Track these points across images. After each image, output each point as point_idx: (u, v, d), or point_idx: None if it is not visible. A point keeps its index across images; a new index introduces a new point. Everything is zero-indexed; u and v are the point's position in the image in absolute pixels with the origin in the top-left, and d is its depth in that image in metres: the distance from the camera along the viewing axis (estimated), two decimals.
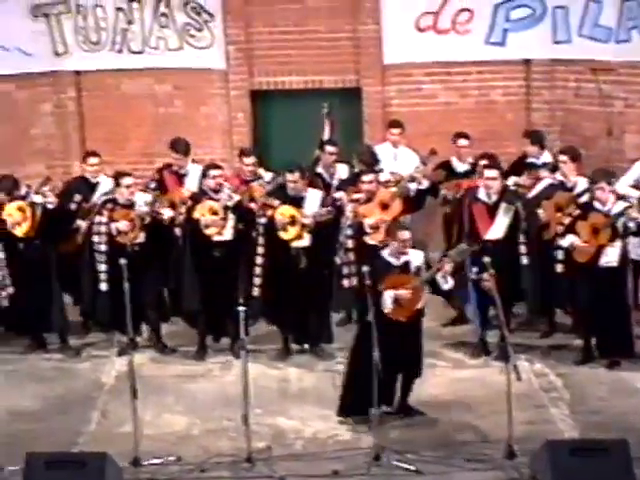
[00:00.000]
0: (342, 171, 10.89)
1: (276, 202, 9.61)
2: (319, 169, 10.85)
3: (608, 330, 9.25)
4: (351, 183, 10.42)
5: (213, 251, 9.64)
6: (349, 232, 9.62)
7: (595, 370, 9.32)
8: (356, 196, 9.97)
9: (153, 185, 10.45)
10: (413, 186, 10.20)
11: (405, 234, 8.34)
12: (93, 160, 10.60)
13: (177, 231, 9.87)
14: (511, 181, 10.36)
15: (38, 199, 9.77)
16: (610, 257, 9.21)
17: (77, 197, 10.30)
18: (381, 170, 10.55)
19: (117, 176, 9.93)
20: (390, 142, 11.35)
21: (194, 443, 8.30)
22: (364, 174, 9.95)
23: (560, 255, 9.40)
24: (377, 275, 8.21)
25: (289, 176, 9.65)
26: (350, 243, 9.58)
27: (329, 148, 10.89)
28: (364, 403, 8.02)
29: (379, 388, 7.82)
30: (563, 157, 10.08)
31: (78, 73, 12.61)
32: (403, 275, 8.35)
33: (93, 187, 10.47)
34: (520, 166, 10.70)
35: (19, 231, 9.70)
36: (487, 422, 8.40)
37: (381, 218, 9.56)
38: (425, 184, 10.10)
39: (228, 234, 9.68)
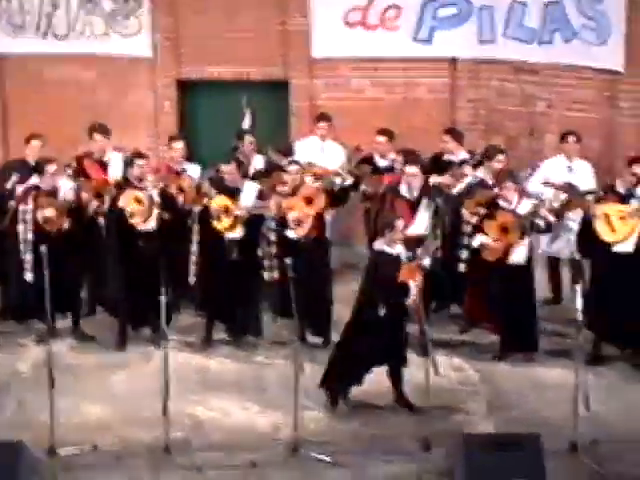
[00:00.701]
0: (258, 161, 10.92)
1: (212, 191, 9.60)
2: (238, 154, 10.79)
3: (514, 326, 9.39)
4: (265, 174, 10.46)
5: (137, 241, 9.58)
6: (272, 225, 9.63)
7: (512, 366, 9.46)
8: (279, 189, 9.98)
9: (69, 172, 10.25)
10: (338, 181, 10.25)
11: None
12: (35, 142, 10.42)
13: (100, 220, 9.77)
14: (433, 179, 10.46)
15: None
16: (519, 255, 9.36)
17: (14, 177, 10.09)
18: (294, 161, 10.56)
19: (41, 163, 9.80)
20: (317, 135, 11.38)
21: (112, 432, 8.26)
22: (290, 165, 9.94)
23: (464, 254, 9.53)
24: (386, 269, 8.27)
25: (225, 167, 9.66)
26: (273, 236, 9.60)
27: (248, 138, 10.94)
28: (343, 384, 8.42)
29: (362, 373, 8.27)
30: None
31: (0, 57, 12.41)
32: (408, 263, 8.47)
33: (31, 170, 10.27)
34: (438, 163, 10.82)
35: None
36: (405, 415, 8.50)
37: (305, 213, 9.58)
38: (349, 180, 10.15)
39: (152, 224, 9.63)
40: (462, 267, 9.62)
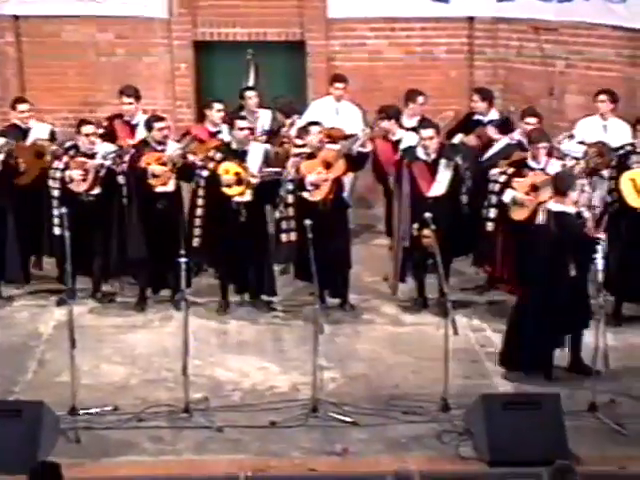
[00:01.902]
0: (265, 116, 10.88)
1: (218, 155, 9.55)
2: (244, 114, 10.66)
3: None
4: (274, 132, 10.45)
5: (156, 202, 9.57)
6: (289, 187, 9.58)
7: None
8: (298, 150, 9.94)
9: (101, 131, 10.23)
10: (356, 147, 10.15)
11: None
12: (22, 107, 10.37)
13: (119, 179, 9.70)
14: (457, 139, 10.39)
15: None
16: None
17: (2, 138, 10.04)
18: (315, 122, 10.50)
19: (78, 124, 9.80)
20: (333, 96, 11.33)
21: (132, 393, 8.30)
22: (311, 125, 9.81)
23: (492, 214, 9.47)
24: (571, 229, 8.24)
25: (240, 123, 9.58)
26: (290, 198, 9.56)
27: (248, 93, 10.91)
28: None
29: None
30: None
31: (17, 18, 12.38)
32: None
33: (25, 133, 10.28)
34: (467, 122, 10.77)
35: None
36: (423, 376, 8.51)
37: (323, 177, 9.53)
38: (369, 147, 10.07)
39: (171, 185, 9.61)
40: (490, 226, 9.49)
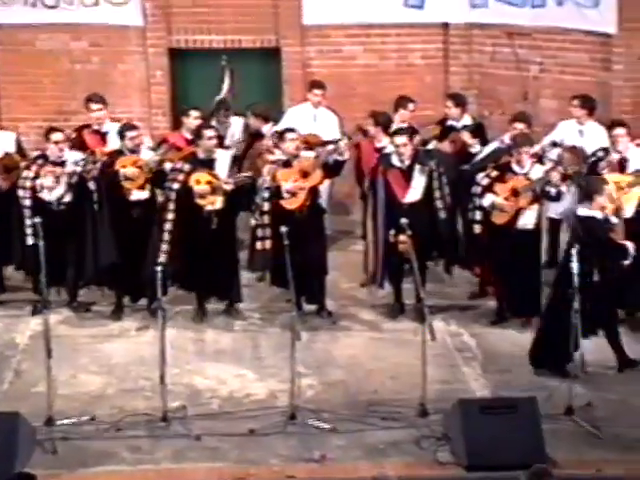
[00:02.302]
0: (236, 124, 10.88)
1: (187, 167, 9.51)
2: (213, 123, 10.69)
3: (519, 290, 9.41)
4: (247, 141, 10.49)
5: (130, 210, 9.54)
6: (266, 195, 9.57)
7: (508, 330, 9.48)
8: (273, 157, 9.93)
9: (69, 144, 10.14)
10: (334, 156, 10.11)
11: None
12: None
13: (90, 185, 9.62)
14: (431, 145, 10.44)
15: None
16: (527, 220, 9.36)
17: None
18: (290, 129, 10.52)
19: (47, 132, 9.73)
20: (312, 103, 11.33)
21: (109, 403, 8.27)
22: (287, 132, 9.80)
23: (478, 216, 9.50)
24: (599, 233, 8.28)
25: (208, 132, 9.58)
26: (266, 206, 9.55)
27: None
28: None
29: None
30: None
31: None
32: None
33: None
34: (441, 128, 10.81)
35: None
36: (402, 381, 8.52)
37: (299, 185, 9.52)
38: (346, 155, 10.06)
39: (146, 192, 9.58)
40: (477, 228, 9.50)
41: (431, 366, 8.17)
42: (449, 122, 10.82)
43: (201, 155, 9.61)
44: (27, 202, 9.52)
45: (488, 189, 9.39)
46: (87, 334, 9.49)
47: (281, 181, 9.49)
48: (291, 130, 9.85)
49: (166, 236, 9.45)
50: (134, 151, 9.61)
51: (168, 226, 9.45)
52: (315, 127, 11.01)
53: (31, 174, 9.55)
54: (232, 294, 9.75)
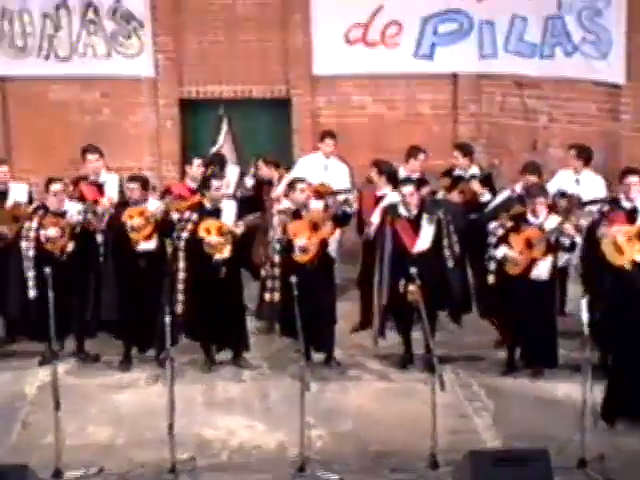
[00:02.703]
0: (232, 173, 10.99)
1: (194, 217, 9.53)
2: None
3: (534, 340, 9.37)
4: (255, 191, 10.63)
5: (137, 260, 9.56)
6: (277, 247, 9.57)
7: (519, 381, 9.43)
8: (282, 207, 9.94)
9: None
10: (344, 208, 10.10)
11: None
12: (2, 168, 10.34)
13: (99, 237, 9.68)
14: (439, 195, 10.45)
15: None
16: (541, 270, 9.33)
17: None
18: (300, 179, 10.58)
19: (47, 182, 9.76)
20: (323, 152, 11.37)
21: (118, 454, 8.22)
22: (297, 182, 9.81)
23: (492, 266, 9.49)
24: None
25: (215, 183, 9.61)
26: (277, 258, 9.56)
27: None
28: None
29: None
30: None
31: (3, 80, 12.46)
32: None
33: (4, 194, 10.23)
34: (449, 178, 10.85)
35: None
36: (412, 432, 8.45)
37: (311, 241, 9.51)
38: (354, 207, 10.09)
39: (153, 243, 9.60)
40: (491, 278, 9.47)
41: (441, 416, 8.11)
42: (457, 172, 10.85)
43: (208, 205, 9.64)
44: (30, 253, 9.49)
45: (503, 240, 9.39)
46: (96, 384, 9.46)
47: (293, 236, 9.48)
48: (301, 180, 9.88)
49: (180, 286, 9.47)
50: (137, 202, 9.60)
51: (181, 275, 9.47)
52: (326, 177, 11.06)
53: (34, 225, 9.54)
54: (240, 343, 9.73)
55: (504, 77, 12.16)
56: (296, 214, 9.66)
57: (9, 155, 12.27)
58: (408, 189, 9.61)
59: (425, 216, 9.58)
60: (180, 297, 9.47)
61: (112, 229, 9.59)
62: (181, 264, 9.49)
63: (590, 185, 10.31)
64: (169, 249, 9.70)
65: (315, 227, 9.53)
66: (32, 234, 9.53)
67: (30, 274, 9.44)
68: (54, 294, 8.42)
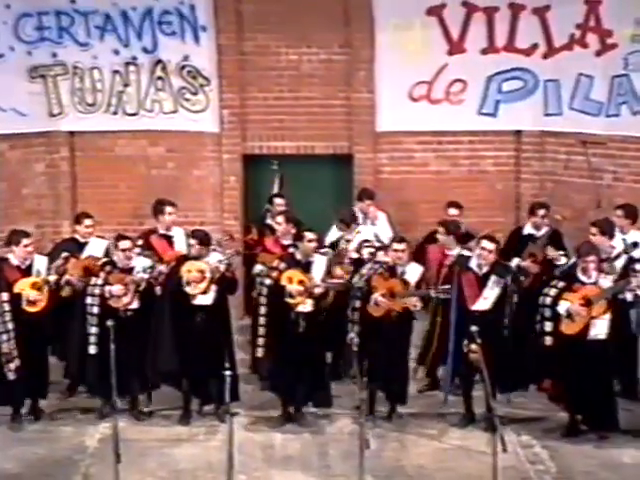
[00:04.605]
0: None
1: (282, 266, 9.58)
2: (268, 220, 11.16)
3: (594, 404, 9.21)
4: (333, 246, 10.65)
5: (195, 315, 9.57)
6: (358, 294, 9.50)
7: (582, 443, 9.26)
8: (383, 259, 9.79)
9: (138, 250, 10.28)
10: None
11: None
12: (88, 222, 10.59)
13: (157, 290, 9.73)
14: (514, 262, 10.29)
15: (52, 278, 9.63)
16: (599, 330, 9.18)
17: (64, 253, 10.16)
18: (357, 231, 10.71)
19: (116, 239, 9.84)
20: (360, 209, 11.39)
21: None
22: (396, 242, 9.73)
23: (548, 327, 9.35)
24: None
25: (309, 235, 9.63)
26: (357, 303, 9.50)
27: (277, 200, 11.31)
28: None
29: None
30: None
31: (72, 134, 12.70)
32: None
33: (82, 247, 10.45)
34: (516, 238, 10.78)
35: (32, 309, 9.51)
36: None
37: (387, 302, 9.42)
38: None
39: (210, 298, 9.62)
40: (548, 340, 9.30)
41: (502, 478, 7.97)
42: (526, 231, 10.79)
43: (299, 256, 9.68)
44: (95, 309, 9.53)
45: (557, 299, 9.27)
46: (155, 438, 9.47)
47: (373, 289, 9.46)
48: (402, 240, 9.73)
49: (261, 330, 9.55)
50: (197, 257, 9.65)
51: (262, 320, 9.55)
52: (370, 229, 11.12)
53: (100, 281, 9.61)
54: (320, 399, 9.66)
55: (568, 135, 12.10)
56: (391, 270, 9.59)
57: (74, 208, 12.47)
58: (489, 245, 9.49)
59: (493, 277, 9.48)
60: (261, 341, 9.52)
61: (170, 282, 9.65)
62: (262, 309, 9.57)
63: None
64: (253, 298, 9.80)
65: (392, 294, 9.48)
66: (97, 290, 9.59)
67: (92, 330, 9.50)
68: (115, 349, 8.44)
